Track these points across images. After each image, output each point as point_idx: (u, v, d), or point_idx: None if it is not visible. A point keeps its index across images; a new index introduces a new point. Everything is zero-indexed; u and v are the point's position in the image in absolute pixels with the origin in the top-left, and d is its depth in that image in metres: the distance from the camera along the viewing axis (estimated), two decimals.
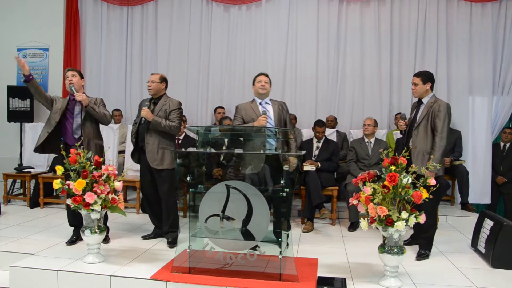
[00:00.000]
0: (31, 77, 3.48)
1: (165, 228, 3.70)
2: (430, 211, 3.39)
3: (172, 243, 3.58)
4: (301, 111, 5.82)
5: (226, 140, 3.30)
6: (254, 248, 2.89)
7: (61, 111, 3.60)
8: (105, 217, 3.61)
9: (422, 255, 3.40)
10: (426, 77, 3.48)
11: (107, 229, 3.75)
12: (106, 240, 3.66)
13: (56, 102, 3.66)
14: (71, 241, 3.62)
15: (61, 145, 3.22)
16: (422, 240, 3.46)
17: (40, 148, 3.57)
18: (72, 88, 3.57)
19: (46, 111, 6.24)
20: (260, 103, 3.71)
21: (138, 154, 3.75)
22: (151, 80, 3.70)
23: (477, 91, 5.51)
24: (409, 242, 3.68)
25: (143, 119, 3.62)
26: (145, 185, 3.78)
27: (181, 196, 4.65)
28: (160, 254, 3.37)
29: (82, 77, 3.71)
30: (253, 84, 3.78)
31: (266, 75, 3.78)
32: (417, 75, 3.54)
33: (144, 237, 3.81)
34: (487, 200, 5.34)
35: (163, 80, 3.75)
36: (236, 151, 3.30)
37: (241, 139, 3.24)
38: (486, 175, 5.35)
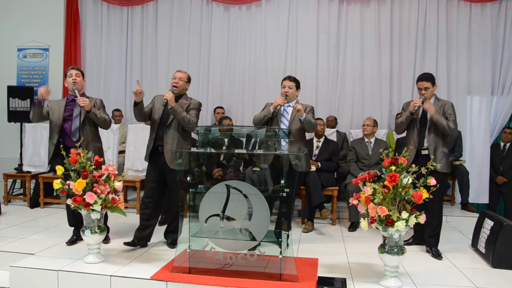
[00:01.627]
0: (42, 104, 3.55)
1: (169, 228, 3.64)
2: (437, 210, 3.43)
3: (172, 244, 3.57)
4: None
5: (226, 140, 3.31)
6: (253, 248, 2.89)
7: (60, 119, 3.56)
8: (105, 217, 3.61)
9: (439, 253, 3.43)
10: (433, 79, 3.48)
11: (107, 229, 3.74)
12: (106, 240, 3.65)
13: (52, 111, 3.60)
14: (71, 241, 3.62)
15: (61, 145, 3.22)
16: (432, 239, 3.48)
17: (53, 159, 3.57)
18: (76, 91, 3.55)
19: None
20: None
21: (150, 153, 3.53)
22: (179, 77, 3.55)
23: (476, 91, 5.52)
24: (409, 242, 3.68)
25: (163, 115, 3.48)
26: (154, 186, 3.54)
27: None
28: (160, 254, 3.37)
29: (83, 77, 3.70)
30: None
31: (291, 79, 3.74)
32: (425, 79, 3.45)
33: (127, 243, 3.51)
34: (485, 199, 5.36)
35: (189, 80, 3.66)
36: (236, 151, 3.31)
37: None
38: (484, 174, 5.37)
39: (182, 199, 3.55)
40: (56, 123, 3.58)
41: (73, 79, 3.56)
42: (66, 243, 3.60)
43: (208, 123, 5.99)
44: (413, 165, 2.73)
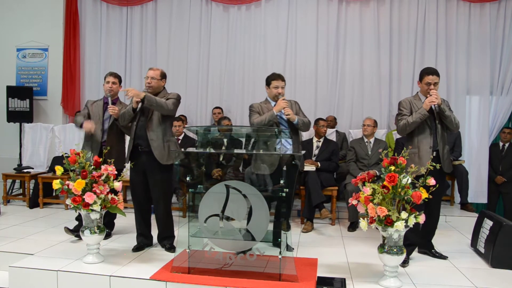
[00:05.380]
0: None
1: (162, 234, 3.51)
2: (438, 213, 3.41)
3: (171, 249, 3.44)
4: None
5: (225, 140, 3.30)
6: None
7: (100, 120, 3.69)
8: (109, 215, 3.61)
9: (440, 253, 3.41)
10: None
11: (113, 225, 3.87)
12: (107, 236, 3.71)
13: (91, 112, 3.73)
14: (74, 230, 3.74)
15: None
16: (431, 242, 3.46)
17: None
18: (109, 98, 3.68)
19: (45, 111, 6.32)
20: (274, 105, 3.51)
21: (131, 155, 3.42)
22: (151, 76, 3.37)
23: (475, 91, 5.54)
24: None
25: (140, 111, 3.35)
26: (139, 188, 3.46)
27: (180, 196, 4.64)
28: (160, 254, 3.37)
29: (121, 82, 3.79)
30: (268, 85, 3.56)
31: (282, 79, 3.54)
32: (437, 73, 3.18)
33: (135, 250, 3.46)
34: (484, 199, 5.37)
35: (164, 76, 3.46)
36: (236, 151, 3.29)
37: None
38: (483, 174, 5.38)
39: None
40: (97, 129, 3.68)
41: (109, 87, 3.68)
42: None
43: (208, 123, 6.00)
44: (412, 165, 2.73)
